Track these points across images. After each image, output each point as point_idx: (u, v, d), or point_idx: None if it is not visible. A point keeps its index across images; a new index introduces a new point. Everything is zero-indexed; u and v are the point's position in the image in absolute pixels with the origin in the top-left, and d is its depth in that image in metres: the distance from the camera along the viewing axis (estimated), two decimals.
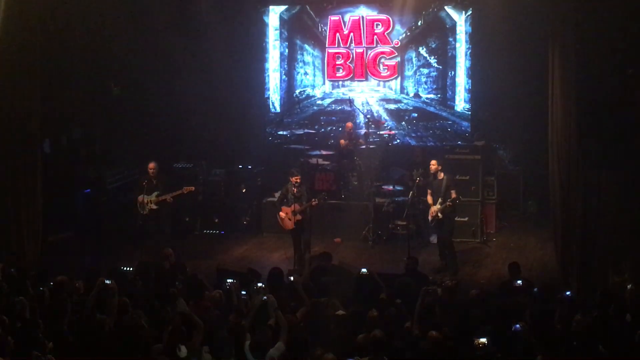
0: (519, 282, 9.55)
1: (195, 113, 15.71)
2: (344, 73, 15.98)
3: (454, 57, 15.45)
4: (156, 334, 7.70)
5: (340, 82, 16.14)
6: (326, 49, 15.97)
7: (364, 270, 9.66)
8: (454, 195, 11.98)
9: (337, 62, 15.94)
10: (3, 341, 7.27)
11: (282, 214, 12.37)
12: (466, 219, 13.55)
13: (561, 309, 8.71)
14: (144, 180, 12.51)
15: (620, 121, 10.55)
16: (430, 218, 12.30)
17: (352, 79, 15.98)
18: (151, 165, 12.64)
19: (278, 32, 16.26)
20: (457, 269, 12.05)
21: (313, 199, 12.19)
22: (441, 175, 12.16)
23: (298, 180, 12.16)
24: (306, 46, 16.16)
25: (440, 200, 12.05)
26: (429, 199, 12.35)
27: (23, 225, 12.31)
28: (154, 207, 12.49)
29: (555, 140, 11.02)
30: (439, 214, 12.05)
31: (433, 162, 12.28)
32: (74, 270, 10.27)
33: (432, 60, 15.64)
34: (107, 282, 8.78)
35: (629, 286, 9.46)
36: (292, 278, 9.43)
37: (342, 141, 14.73)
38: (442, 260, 12.27)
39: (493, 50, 14.70)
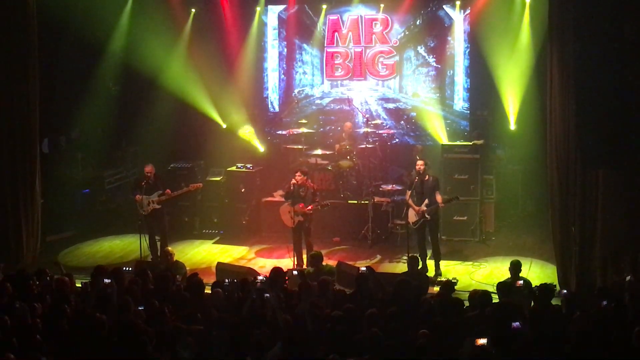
0: (521, 282, 9.56)
1: (193, 113, 15.69)
2: (342, 72, 15.97)
3: (452, 56, 15.42)
4: (154, 334, 7.70)
5: (339, 82, 16.13)
6: (325, 49, 15.96)
7: (363, 268, 9.67)
8: (439, 197, 11.87)
9: (336, 62, 15.93)
10: (6, 342, 7.28)
11: (284, 210, 12.40)
12: (465, 218, 13.57)
13: (560, 307, 8.74)
14: (143, 181, 12.49)
15: (618, 120, 10.54)
16: (414, 219, 11.98)
17: (350, 78, 15.96)
18: (148, 168, 12.58)
19: (276, 31, 16.25)
20: (440, 272, 11.94)
21: (319, 203, 12.22)
22: (427, 175, 11.98)
23: (298, 182, 12.17)
24: (305, 45, 16.15)
25: (426, 201, 11.86)
26: (409, 200, 11.96)
27: (22, 226, 12.33)
28: (157, 206, 12.47)
29: (553, 138, 11.02)
30: (427, 215, 11.88)
31: (420, 161, 12.03)
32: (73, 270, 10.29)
33: (431, 60, 15.61)
34: (107, 281, 8.79)
35: (627, 277, 9.49)
36: (267, 295, 8.57)
37: (337, 146, 14.71)
38: (422, 262, 11.90)
39: (491, 49, 14.67)
